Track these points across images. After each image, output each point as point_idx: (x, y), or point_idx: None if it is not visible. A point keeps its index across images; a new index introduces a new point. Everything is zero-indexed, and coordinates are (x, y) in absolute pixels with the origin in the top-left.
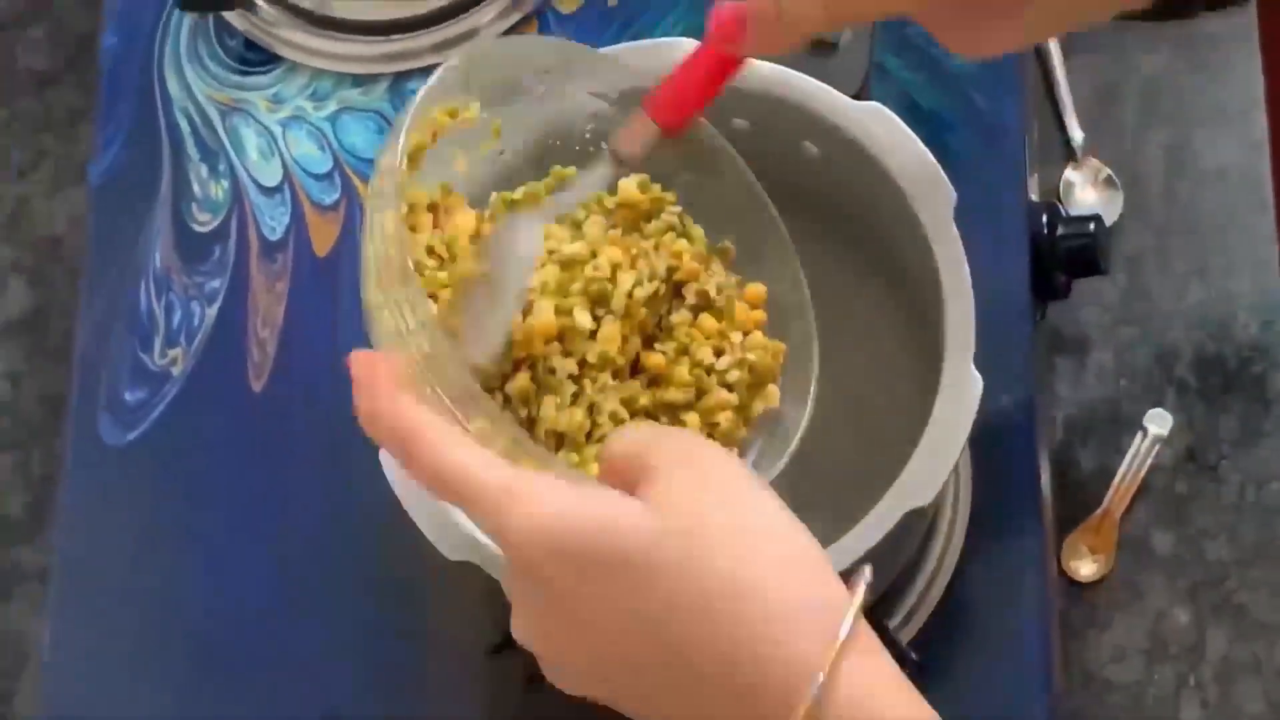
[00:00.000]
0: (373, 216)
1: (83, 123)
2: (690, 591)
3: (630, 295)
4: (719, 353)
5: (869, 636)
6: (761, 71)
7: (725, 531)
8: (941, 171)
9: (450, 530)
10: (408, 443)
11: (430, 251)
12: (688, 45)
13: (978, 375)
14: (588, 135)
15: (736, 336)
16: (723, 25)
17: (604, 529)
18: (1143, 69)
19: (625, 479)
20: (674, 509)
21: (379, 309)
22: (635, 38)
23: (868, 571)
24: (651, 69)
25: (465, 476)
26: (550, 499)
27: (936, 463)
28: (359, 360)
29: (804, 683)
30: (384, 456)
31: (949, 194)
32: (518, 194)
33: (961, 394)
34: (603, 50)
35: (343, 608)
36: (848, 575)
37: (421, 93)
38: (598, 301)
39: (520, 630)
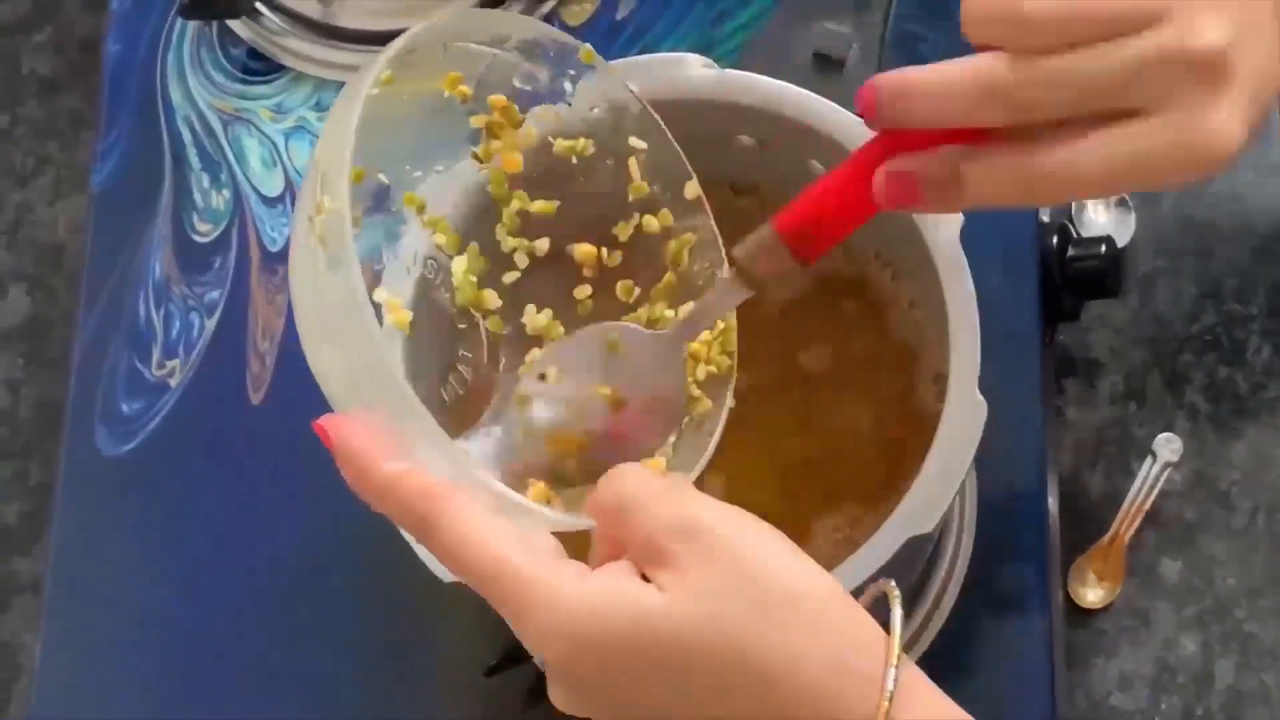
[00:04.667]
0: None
1: (86, 129)
2: (730, 678)
3: None
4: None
5: (911, 670)
6: (767, 89)
7: (752, 609)
8: None
9: None
10: (426, 520)
11: None
12: (694, 61)
13: (982, 400)
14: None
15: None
16: (895, 184)
17: (636, 626)
18: None
19: (631, 553)
20: (694, 595)
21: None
22: (641, 53)
23: (898, 610)
24: (658, 84)
25: (490, 563)
26: (571, 599)
27: (940, 488)
28: (336, 428)
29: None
30: None
31: (956, 217)
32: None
33: (966, 419)
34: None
35: (338, 625)
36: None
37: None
38: None
39: (560, 703)
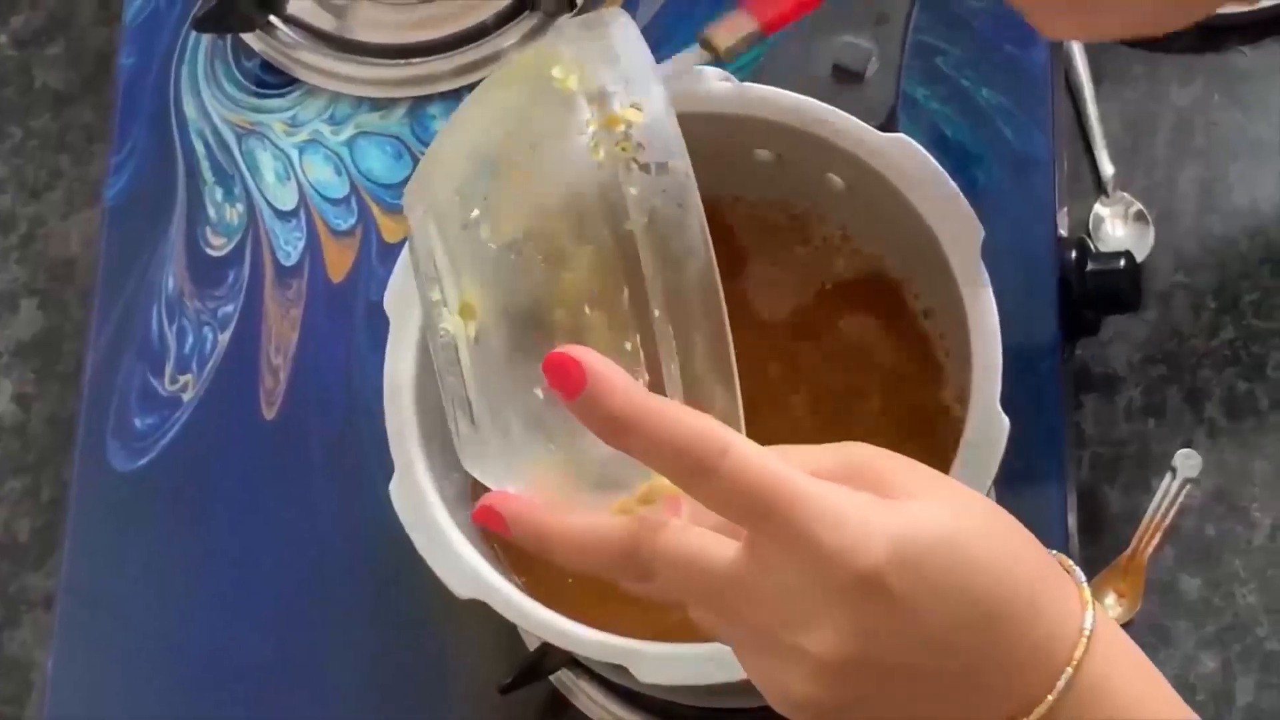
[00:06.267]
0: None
1: (99, 143)
2: (995, 561)
3: None
4: None
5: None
6: (786, 102)
7: (991, 514)
8: (969, 207)
9: (461, 567)
10: (711, 449)
11: None
12: (712, 74)
13: (1005, 418)
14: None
15: None
16: None
17: (944, 534)
18: (1175, 102)
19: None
20: (947, 497)
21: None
22: (660, 63)
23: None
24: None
25: (791, 485)
26: (877, 514)
27: None
28: (583, 354)
29: (1073, 639)
30: (394, 491)
31: (976, 230)
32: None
33: (989, 435)
34: None
35: (352, 641)
36: None
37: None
38: None
39: (833, 648)
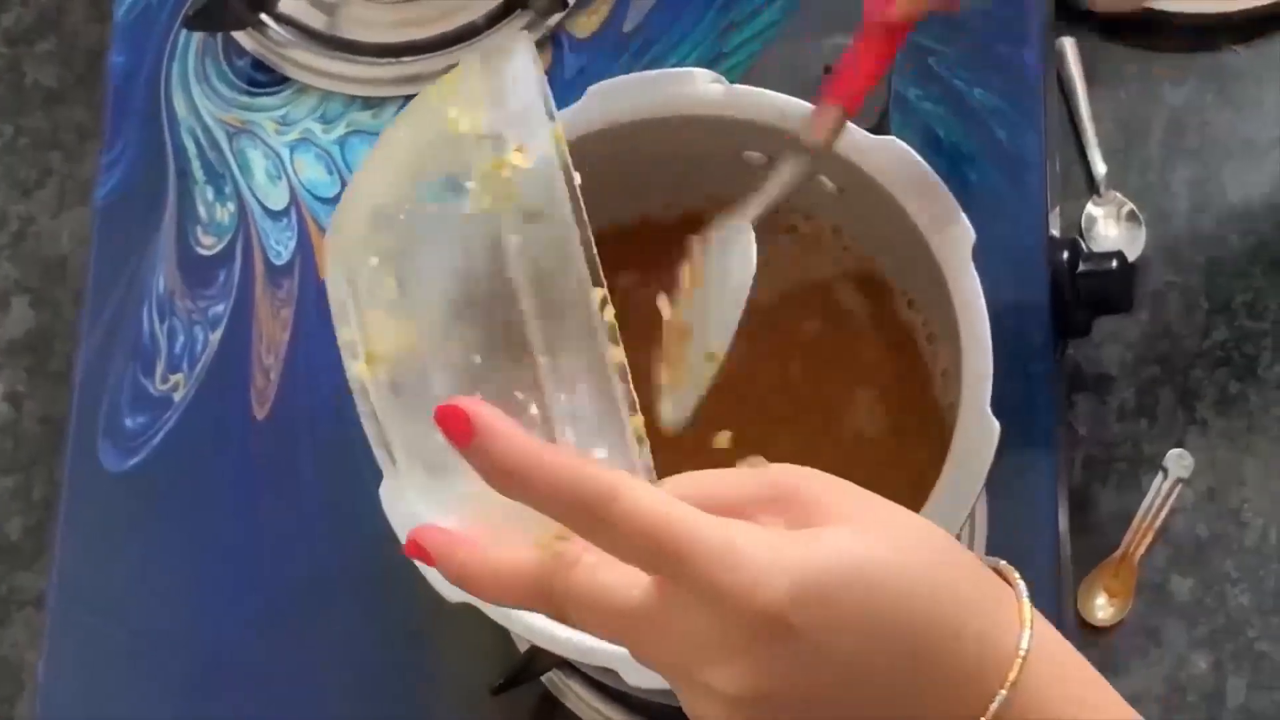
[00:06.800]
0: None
1: (90, 141)
2: (916, 591)
3: None
4: None
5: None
6: (776, 103)
7: (920, 538)
8: (961, 212)
9: None
10: (600, 492)
11: None
12: (702, 76)
13: (995, 421)
14: None
15: None
16: None
17: (853, 565)
18: (1168, 101)
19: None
20: (872, 522)
21: None
22: (649, 66)
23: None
24: (664, 99)
25: (682, 522)
26: (778, 549)
27: (953, 508)
28: (475, 406)
29: (1008, 658)
30: (384, 493)
31: (968, 235)
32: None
33: (979, 441)
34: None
35: (344, 643)
36: None
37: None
38: None
39: (737, 685)
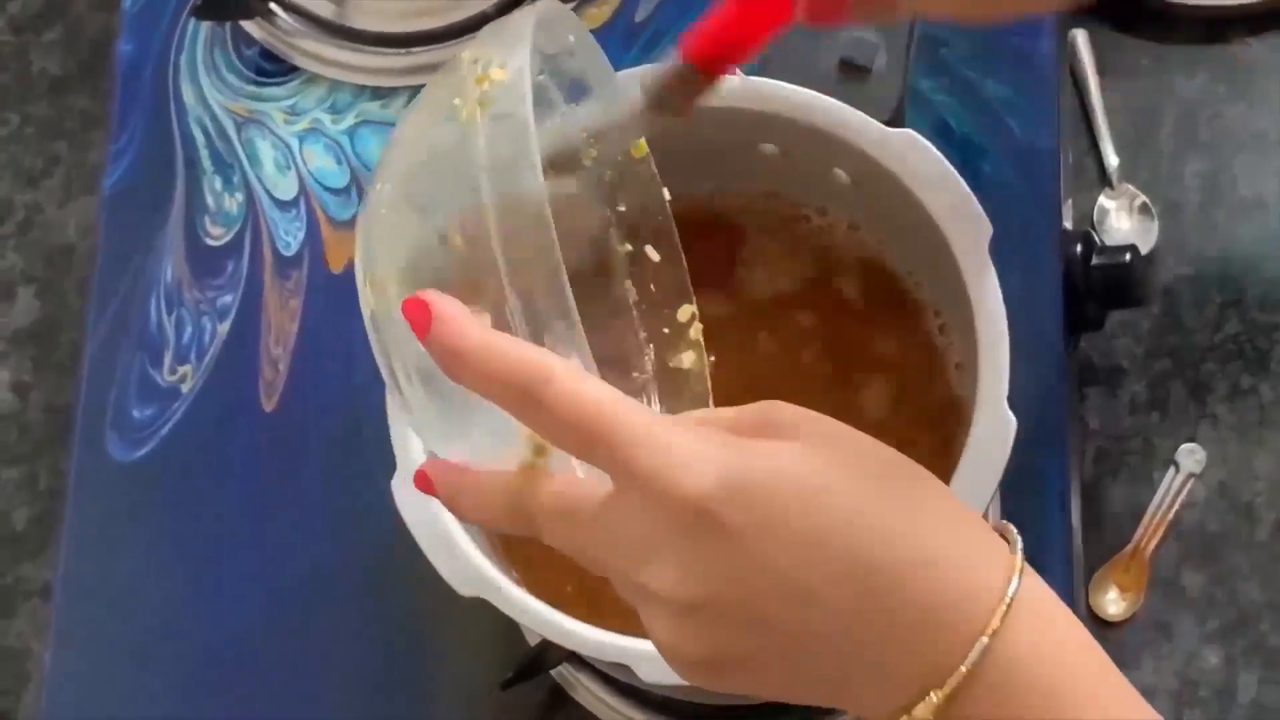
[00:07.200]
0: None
1: (96, 129)
2: (869, 510)
3: None
4: None
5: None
6: (791, 95)
7: (886, 469)
8: (978, 206)
9: (463, 565)
10: (535, 377)
11: None
12: None
13: (1012, 417)
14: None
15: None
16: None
17: (793, 475)
18: (1180, 94)
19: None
20: (829, 442)
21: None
22: (661, 57)
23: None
24: None
25: (614, 411)
26: (710, 442)
27: (969, 503)
28: (433, 299)
29: (991, 605)
30: (395, 486)
31: (985, 229)
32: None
33: (995, 436)
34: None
35: (352, 635)
36: None
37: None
38: None
39: (671, 585)
